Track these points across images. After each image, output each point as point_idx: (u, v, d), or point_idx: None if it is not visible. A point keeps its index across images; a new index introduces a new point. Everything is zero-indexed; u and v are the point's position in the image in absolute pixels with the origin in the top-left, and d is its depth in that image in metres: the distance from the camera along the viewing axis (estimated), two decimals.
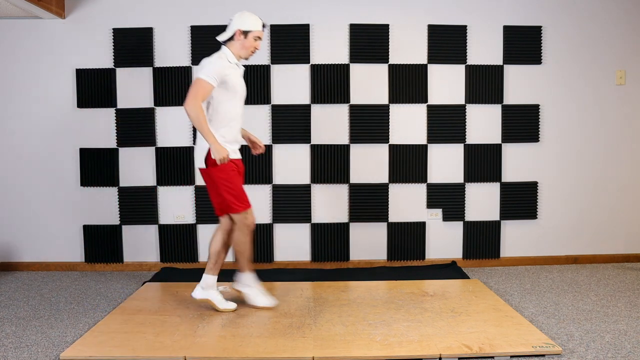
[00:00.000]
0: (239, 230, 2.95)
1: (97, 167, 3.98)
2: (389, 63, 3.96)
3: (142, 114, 3.95)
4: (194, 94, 2.73)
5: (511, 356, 2.46)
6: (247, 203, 2.95)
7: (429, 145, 4.02)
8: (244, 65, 3.91)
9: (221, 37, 2.94)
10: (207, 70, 2.76)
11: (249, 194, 3.99)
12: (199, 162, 2.90)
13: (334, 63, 3.94)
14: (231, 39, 2.91)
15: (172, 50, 3.93)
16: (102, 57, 3.94)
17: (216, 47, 3.92)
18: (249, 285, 3.08)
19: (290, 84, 3.96)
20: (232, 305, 3.02)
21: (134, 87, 3.95)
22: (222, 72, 2.79)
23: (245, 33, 2.87)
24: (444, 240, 4.08)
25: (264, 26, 2.94)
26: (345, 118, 3.98)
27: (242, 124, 3.03)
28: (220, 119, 2.87)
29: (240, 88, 2.93)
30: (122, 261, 4.06)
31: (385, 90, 3.98)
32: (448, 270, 3.88)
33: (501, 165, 4.04)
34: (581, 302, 3.23)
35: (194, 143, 3.11)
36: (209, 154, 2.82)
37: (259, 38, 2.93)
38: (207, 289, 3.02)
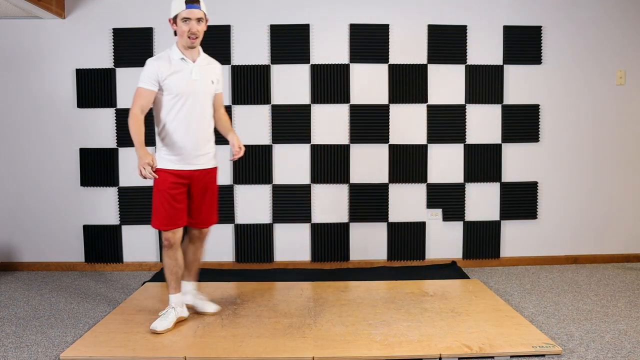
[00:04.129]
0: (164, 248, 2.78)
1: (97, 167, 3.97)
2: (389, 63, 3.96)
3: None
4: (133, 102, 2.63)
5: (511, 356, 2.46)
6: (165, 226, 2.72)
7: (429, 145, 4.02)
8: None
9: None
10: (141, 76, 2.63)
11: (249, 193, 4.03)
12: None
13: (334, 63, 3.94)
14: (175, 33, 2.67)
15: None
16: (102, 57, 3.93)
17: (217, 47, 3.93)
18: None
19: (290, 84, 3.96)
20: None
21: (134, 87, 3.92)
22: (155, 74, 2.61)
23: (174, 20, 2.62)
24: (444, 240, 4.08)
25: (189, 2, 2.56)
26: (346, 118, 3.98)
27: (194, 128, 2.71)
28: (162, 126, 2.71)
29: (181, 87, 2.63)
30: (122, 261, 4.06)
31: (385, 90, 3.98)
32: (448, 270, 3.88)
33: (501, 165, 4.04)
34: (581, 302, 3.23)
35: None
36: None
37: (188, 19, 2.57)
38: (186, 294, 2.95)
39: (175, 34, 2.67)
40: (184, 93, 2.65)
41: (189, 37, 2.62)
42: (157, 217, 2.73)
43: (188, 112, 2.67)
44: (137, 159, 2.53)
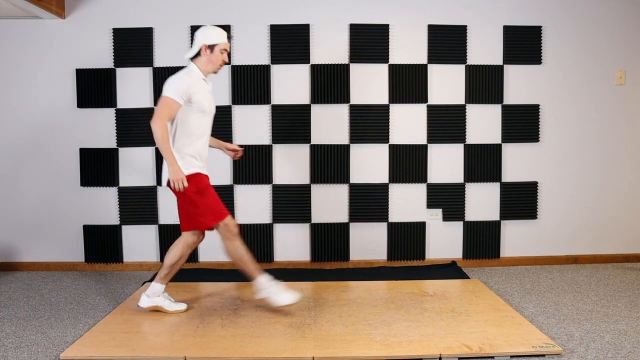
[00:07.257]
0: (228, 240, 2.88)
1: (97, 167, 3.98)
2: (389, 63, 3.96)
3: (142, 114, 3.95)
4: (160, 113, 2.70)
5: (511, 356, 2.46)
6: (224, 212, 2.88)
7: (429, 145, 4.02)
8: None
9: (188, 54, 2.91)
10: (174, 88, 2.73)
11: (249, 193, 4.03)
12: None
13: (334, 63, 3.95)
14: (198, 54, 2.87)
15: (172, 50, 3.93)
16: (102, 57, 3.94)
17: None
18: (265, 288, 2.92)
19: (290, 84, 3.96)
20: (183, 306, 3.02)
21: (134, 87, 3.95)
22: (188, 89, 2.75)
23: (211, 47, 2.84)
24: (444, 240, 4.08)
25: (229, 38, 2.92)
26: (345, 118, 3.98)
27: (209, 140, 3.00)
28: (187, 136, 2.82)
29: (208, 105, 2.88)
30: (122, 261, 4.06)
31: (385, 90, 3.98)
32: (448, 270, 3.88)
33: (501, 165, 4.04)
34: (581, 302, 3.23)
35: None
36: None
37: (226, 50, 2.90)
38: (153, 296, 2.96)
39: (198, 54, 2.86)
40: (208, 110, 2.90)
41: (220, 66, 2.91)
42: (214, 210, 2.85)
43: (207, 126, 2.93)
44: (171, 173, 2.73)
